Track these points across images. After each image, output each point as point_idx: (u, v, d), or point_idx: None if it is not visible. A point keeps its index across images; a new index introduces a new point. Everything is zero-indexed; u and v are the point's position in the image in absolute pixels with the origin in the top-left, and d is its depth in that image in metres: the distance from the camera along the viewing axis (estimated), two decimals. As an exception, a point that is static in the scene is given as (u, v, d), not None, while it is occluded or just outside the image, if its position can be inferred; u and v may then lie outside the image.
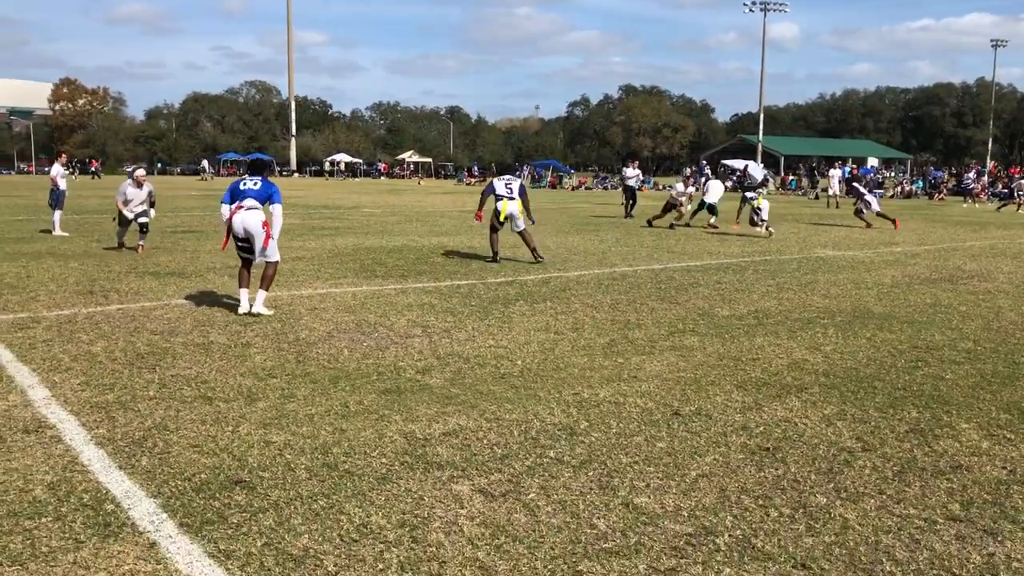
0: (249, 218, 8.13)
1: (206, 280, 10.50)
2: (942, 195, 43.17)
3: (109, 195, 33.65)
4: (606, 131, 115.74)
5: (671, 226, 20.06)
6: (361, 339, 7.20)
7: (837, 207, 32.25)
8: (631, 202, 24.83)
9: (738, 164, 56.94)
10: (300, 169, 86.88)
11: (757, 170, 55.18)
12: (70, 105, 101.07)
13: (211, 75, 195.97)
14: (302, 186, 54.22)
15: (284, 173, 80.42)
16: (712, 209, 20.32)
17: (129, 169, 15.39)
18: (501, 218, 12.42)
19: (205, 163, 70.82)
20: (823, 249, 15.53)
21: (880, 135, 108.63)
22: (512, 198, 12.36)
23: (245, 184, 8.33)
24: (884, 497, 4.03)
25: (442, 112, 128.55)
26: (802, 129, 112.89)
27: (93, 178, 59.70)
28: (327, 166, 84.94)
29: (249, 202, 8.17)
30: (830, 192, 34.37)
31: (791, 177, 55.15)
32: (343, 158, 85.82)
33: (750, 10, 71.42)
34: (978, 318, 8.62)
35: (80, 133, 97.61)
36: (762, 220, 18.03)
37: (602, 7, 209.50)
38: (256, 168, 8.75)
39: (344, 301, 9.11)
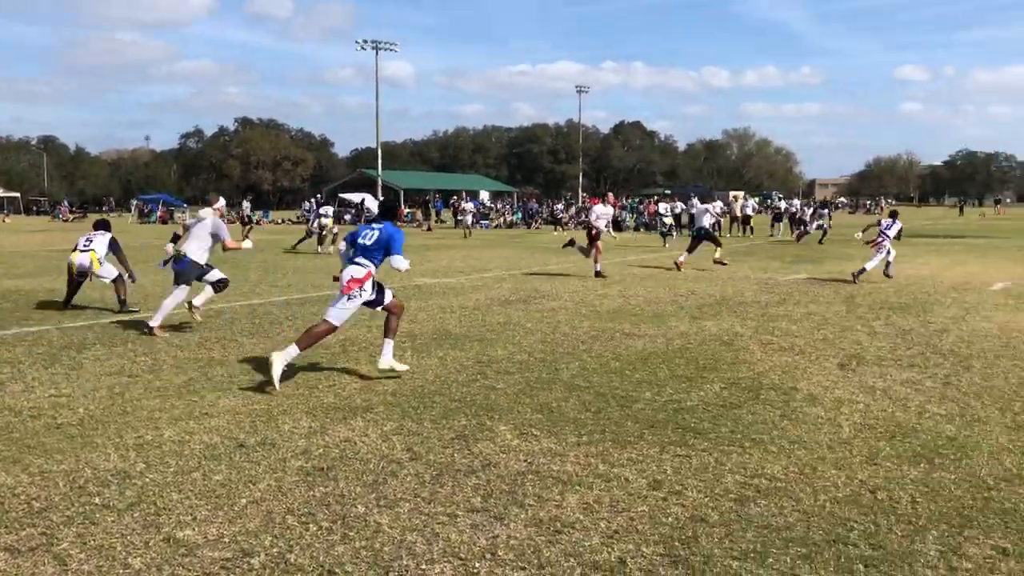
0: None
1: None
2: (538, 224, 47.94)
3: None
4: (223, 163, 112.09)
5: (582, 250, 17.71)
6: None
7: (467, 236, 34.85)
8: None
9: (356, 198, 58.33)
10: None
11: (373, 203, 56.76)
12: None
13: None
14: None
15: None
16: (712, 237, 19.38)
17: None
18: (72, 271, 11.43)
19: None
20: (422, 277, 16.49)
21: (489, 170, 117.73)
22: (85, 250, 11.44)
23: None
24: (419, 500, 4.47)
25: (33, 142, 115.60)
26: (419, 163, 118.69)
27: None
28: None
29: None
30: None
31: (407, 210, 57.57)
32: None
33: (363, 48, 73.54)
34: (538, 332, 9.76)
35: None
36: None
37: (214, 37, 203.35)
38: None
39: None
